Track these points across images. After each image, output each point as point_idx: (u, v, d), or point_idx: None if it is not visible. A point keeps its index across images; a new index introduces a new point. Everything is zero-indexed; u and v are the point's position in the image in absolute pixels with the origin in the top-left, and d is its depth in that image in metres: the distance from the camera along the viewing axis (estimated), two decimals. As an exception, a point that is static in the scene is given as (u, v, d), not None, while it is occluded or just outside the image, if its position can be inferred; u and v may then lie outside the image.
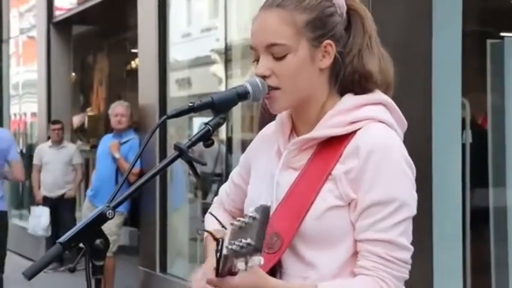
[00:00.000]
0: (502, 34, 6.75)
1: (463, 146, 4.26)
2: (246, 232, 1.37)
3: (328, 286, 1.55)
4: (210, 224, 1.80)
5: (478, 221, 4.45)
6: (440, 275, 3.87)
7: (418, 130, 3.75)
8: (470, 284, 4.31)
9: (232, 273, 1.46)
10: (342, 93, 1.67)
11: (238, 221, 1.40)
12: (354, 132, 1.60)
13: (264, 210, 1.38)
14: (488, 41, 4.44)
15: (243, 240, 1.35)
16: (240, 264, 1.39)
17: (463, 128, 4.31)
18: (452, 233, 3.98)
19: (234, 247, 1.37)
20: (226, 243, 1.41)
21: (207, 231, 1.65)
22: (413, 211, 1.58)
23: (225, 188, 1.90)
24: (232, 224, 1.42)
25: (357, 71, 1.64)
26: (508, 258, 4.26)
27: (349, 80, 1.65)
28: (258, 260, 1.36)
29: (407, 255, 1.57)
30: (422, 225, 3.73)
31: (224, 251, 1.41)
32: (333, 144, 1.61)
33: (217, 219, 1.65)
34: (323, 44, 1.62)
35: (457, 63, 3.96)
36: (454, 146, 4.00)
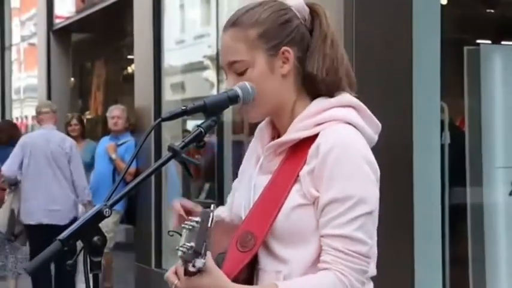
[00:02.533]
0: (478, 41, 6.78)
1: (442, 146, 4.27)
2: (192, 235, 1.42)
3: (289, 284, 1.54)
4: None
5: (456, 218, 4.46)
6: (421, 269, 3.88)
7: (400, 132, 3.76)
8: (449, 278, 4.32)
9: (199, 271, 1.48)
10: (312, 96, 1.66)
11: (187, 224, 1.44)
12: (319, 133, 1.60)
13: (205, 215, 1.41)
14: (465, 48, 4.44)
15: (187, 244, 1.40)
16: (189, 266, 1.43)
17: (442, 129, 4.32)
18: (432, 230, 3.99)
19: (183, 249, 1.41)
20: (180, 244, 1.44)
21: (176, 232, 1.66)
22: (371, 207, 1.56)
23: (230, 195, 1.90)
24: (183, 227, 1.46)
25: (324, 72, 1.61)
26: (484, 253, 4.27)
27: (309, 80, 1.63)
28: (200, 262, 1.40)
29: (364, 249, 1.55)
30: (404, 223, 3.74)
31: (179, 253, 1.44)
32: (302, 146, 1.61)
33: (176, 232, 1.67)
34: (280, 51, 1.61)
35: (436, 69, 3.98)
36: (434, 146, 4.01)
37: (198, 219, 1.43)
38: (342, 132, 1.58)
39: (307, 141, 1.60)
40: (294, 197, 1.58)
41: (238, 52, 1.61)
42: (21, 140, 6.18)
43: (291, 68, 1.63)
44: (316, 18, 1.67)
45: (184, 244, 1.41)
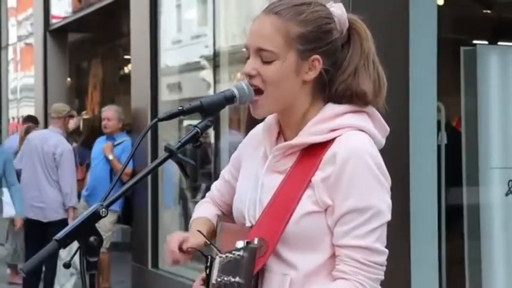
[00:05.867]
0: (474, 42, 6.80)
1: (439, 147, 4.27)
2: (235, 269, 1.44)
3: None
4: (199, 212, 1.85)
5: (452, 218, 4.47)
6: (418, 269, 3.88)
7: (397, 132, 3.75)
8: (446, 277, 4.33)
9: None
10: (327, 102, 1.65)
11: (227, 256, 1.46)
12: (334, 140, 1.59)
13: (251, 251, 1.43)
14: (462, 48, 4.45)
15: (232, 279, 1.42)
16: None
17: (439, 130, 4.33)
18: (429, 229, 4.00)
19: (224, 281, 1.44)
20: (215, 273, 1.47)
21: (198, 250, 1.67)
22: (387, 217, 1.58)
23: (216, 184, 1.91)
24: (221, 257, 1.48)
25: (350, 89, 1.62)
26: (480, 254, 4.28)
27: (340, 95, 1.63)
28: None
29: (382, 259, 1.57)
30: (401, 222, 3.74)
31: (213, 281, 1.48)
32: (315, 150, 1.60)
33: (204, 235, 1.69)
34: (311, 58, 1.60)
35: (432, 69, 3.98)
36: (430, 147, 4.02)
37: (240, 253, 1.43)
38: (358, 141, 1.58)
39: (320, 146, 1.59)
40: (306, 203, 1.57)
41: (274, 43, 1.58)
42: (27, 137, 6.62)
43: (315, 77, 1.62)
44: (356, 37, 1.66)
45: (226, 276, 1.44)
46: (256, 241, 1.44)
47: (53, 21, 10.20)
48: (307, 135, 1.61)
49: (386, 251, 1.58)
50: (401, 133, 3.82)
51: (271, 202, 1.61)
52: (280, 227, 1.56)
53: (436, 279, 4.05)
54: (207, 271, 1.57)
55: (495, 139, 4.34)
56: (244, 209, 1.66)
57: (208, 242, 1.65)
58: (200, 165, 6.72)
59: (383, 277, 1.59)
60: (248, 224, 1.64)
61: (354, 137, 1.58)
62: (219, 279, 1.45)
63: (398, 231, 3.69)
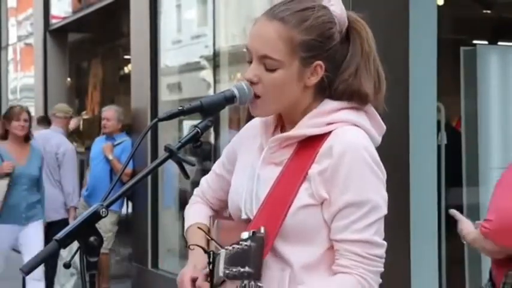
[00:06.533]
0: (474, 42, 6.81)
1: (439, 147, 4.28)
2: (243, 259, 1.47)
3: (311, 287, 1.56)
4: (191, 217, 1.84)
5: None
6: (418, 269, 3.88)
7: (397, 132, 3.77)
8: (446, 277, 4.33)
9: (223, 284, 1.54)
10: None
11: (233, 248, 1.49)
12: (330, 133, 1.59)
13: (258, 240, 1.46)
14: (462, 48, 4.46)
15: (241, 269, 1.45)
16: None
17: (439, 130, 4.33)
18: (429, 230, 4.00)
19: (232, 273, 1.47)
20: (221, 266, 1.50)
21: (198, 245, 1.67)
22: (384, 211, 1.58)
23: (206, 178, 1.89)
24: (227, 249, 1.51)
25: (351, 88, 1.61)
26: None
27: (340, 93, 1.63)
28: (256, 286, 1.47)
29: (382, 251, 1.58)
30: (401, 222, 3.74)
31: (221, 274, 1.50)
32: (311, 143, 1.60)
33: (205, 232, 1.70)
34: (313, 64, 1.60)
35: (432, 69, 3.98)
36: (430, 147, 4.02)
37: (247, 242, 1.46)
38: (354, 135, 1.58)
39: (316, 139, 1.60)
40: (303, 196, 1.57)
41: (277, 50, 1.57)
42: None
43: (317, 81, 1.62)
44: (355, 36, 1.65)
45: (235, 267, 1.47)
46: (262, 230, 1.47)
47: (53, 21, 10.20)
48: (304, 128, 1.62)
49: (385, 243, 1.59)
50: (402, 133, 3.82)
51: (269, 196, 1.61)
52: (278, 222, 1.57)
53: (436, 279, 4.05)
54: (210, 267, 1.58)
55: (495, 139, 4.35)
56: (241, 201, 1.66)
57: (210, 238, 1.66)
58: (200, 164, 6.72)
59: (383, 269, 1.59)
60: (244, 216, 1.64)
61: (349, 132, 1.59)
62: (227, 272, 1.46)
63: (398, 231, 3.69)
